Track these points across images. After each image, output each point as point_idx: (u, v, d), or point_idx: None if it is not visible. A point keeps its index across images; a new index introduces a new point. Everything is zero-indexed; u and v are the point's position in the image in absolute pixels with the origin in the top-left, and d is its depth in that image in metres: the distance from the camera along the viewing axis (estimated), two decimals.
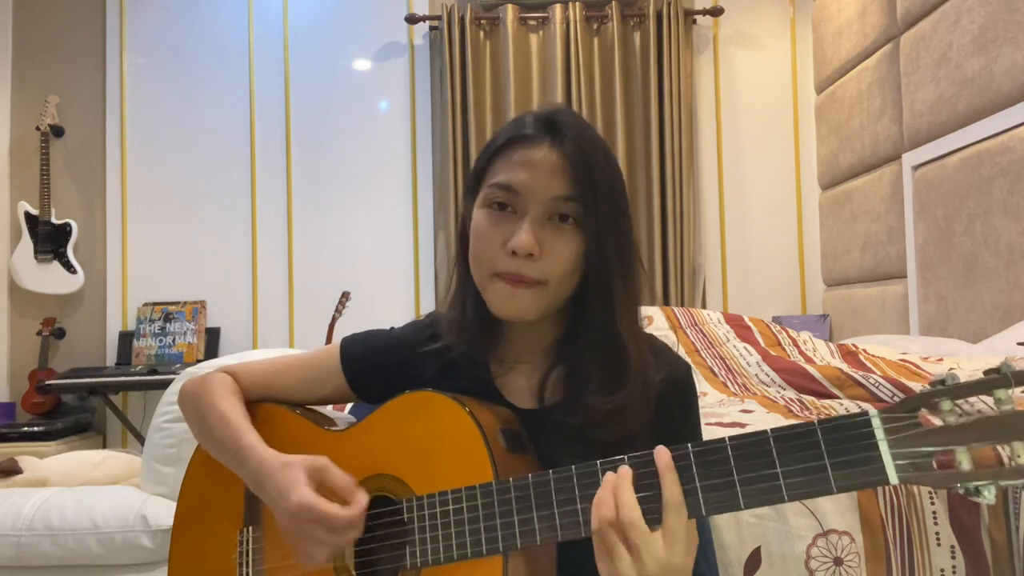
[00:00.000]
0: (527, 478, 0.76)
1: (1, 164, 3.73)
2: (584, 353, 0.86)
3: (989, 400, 0.59)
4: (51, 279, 3.61)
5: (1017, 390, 0.58)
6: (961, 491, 0.59)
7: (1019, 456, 0.57)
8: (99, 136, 3.77)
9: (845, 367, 1.86)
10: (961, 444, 0.59)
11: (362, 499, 0.80)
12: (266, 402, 1.00)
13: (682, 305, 3.59)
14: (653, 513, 0.68)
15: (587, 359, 0.86)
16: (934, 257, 2.64)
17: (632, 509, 0.67)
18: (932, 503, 1.29)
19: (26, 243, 3.61)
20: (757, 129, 3.80)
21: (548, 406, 0.89)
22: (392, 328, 1.03)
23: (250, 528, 0.94)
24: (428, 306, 3.65)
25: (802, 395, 1.80)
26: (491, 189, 0.85)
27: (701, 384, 1.98)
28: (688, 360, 0.94)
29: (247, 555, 0.93)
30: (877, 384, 1.70)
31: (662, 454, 0.69)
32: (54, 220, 3.63)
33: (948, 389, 0.60)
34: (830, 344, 2.23)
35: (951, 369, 1.88)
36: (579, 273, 0.85)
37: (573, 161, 0.83)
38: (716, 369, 2.06)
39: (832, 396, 1.76)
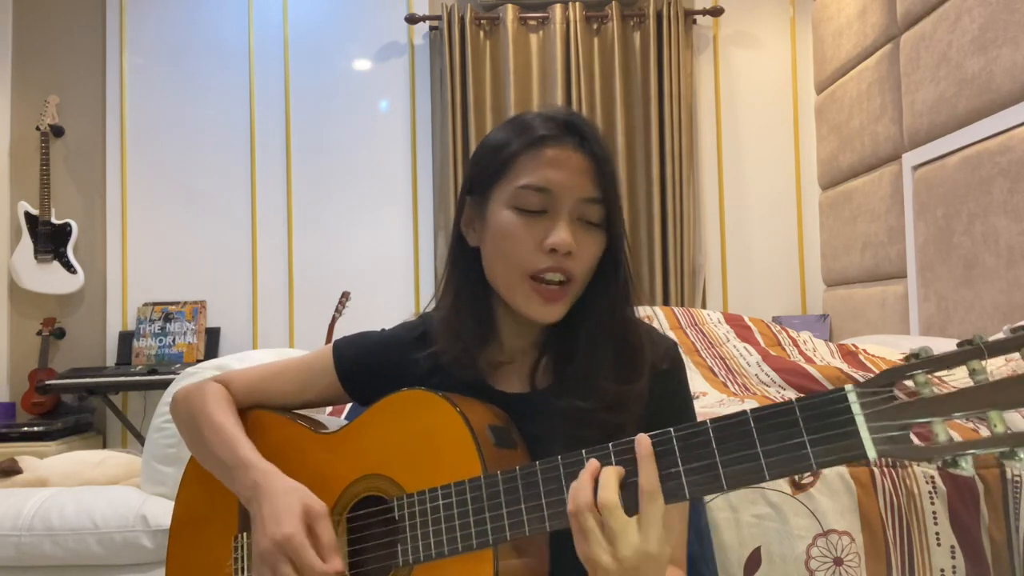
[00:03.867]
0: (514, 470, 0.76)
1: (1, 164, 3.73)
2: (595, 343, 0.88)
3: (964, 372, 0.60)
4: (51, 279, 3.61)
5: (990, 361, 0.59)
6: (939, 463, 0.60)
7: (995, 426, 0.58)
8: (99, 136, 3.77)
9: (845, 367, 1.86)
10: (937, 416, 0.60)
11: (338, 564, 0.80)
12: (259, 408, 1.00)
13: (682, 305, 3.59)
14: (631, 500, 0.69)
15: (599, 349, 0.88)
16: (934, 257, 2.64)
17: (611, 492, 0.68)
18: (932, 503, 1.29)
19: (26, 243, 3.61)
20: (757, 129, 3.80)
21: (542, 389, 0.91)
22: (383, 329, 1.03)
23: (245, 534, 0.94)
24: (427, 306, 3.64)
25: (802, 395, 1.80)
26: (523, 191, 0.85)
27: (701, 384, 1.98)
28: (673, 339, 0.96)
29: (242, 560, 0.93)
30: None
31: (642, 443, 0.70)
32: (54, 220, 3.63)
33: (922, 362, 0.61)
34: (830, 344, 2.23)
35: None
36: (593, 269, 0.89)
37: (598, 164, 0.86)
38: (716, 369, 2.06)
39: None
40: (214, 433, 0.93)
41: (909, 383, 0.62)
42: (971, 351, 0.59)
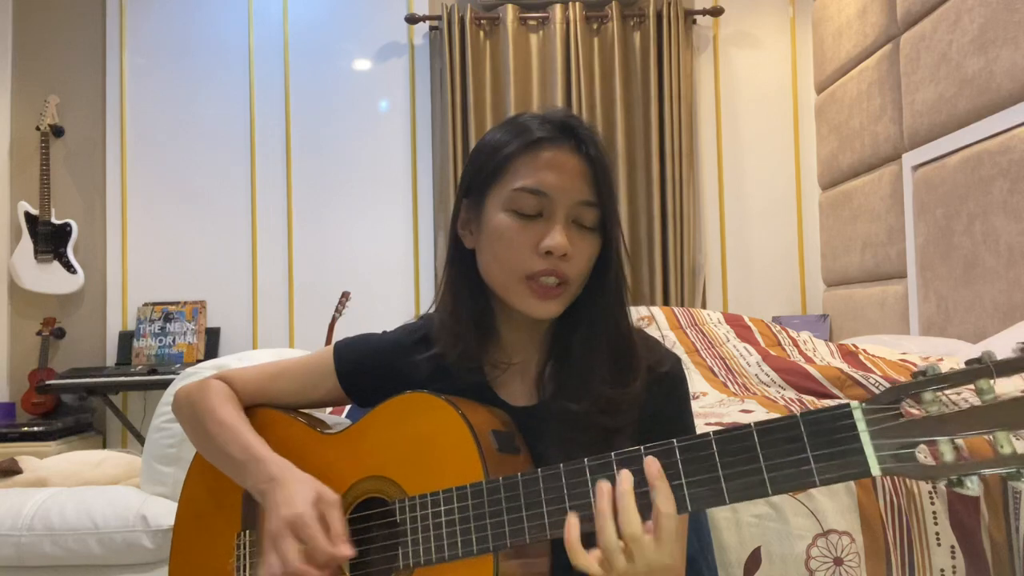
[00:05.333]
0: (516, 477, 0.76)
1: (1, 164, 3.73)
2: (590, 346, 0.88)
3: (971, 390, 0.59)
4: (51, 279, 3.61)
5: (999, 380, 0.58)
6: (944, 482, 0.59)
7: (1002, 446, 0.57)
8: (99, 136, 3.77)
9: (845, 367, 1.86)
10: (943, 435, 0.59)
11: (346, 550, 0.80)
12: (261, 407, 1.00)
13: (682, 305, 3.59)
14: (641, 510, 0.68)
15: (593, 351, 0.88)
16: (934, 257, 2.64)
17: (634, 525, 0.68)
18: (932, 503, 1.29)
19: (26, 243, 3.61)
20: (757, 129, 3.80)
21: (547, 400, 0.91)
22: (385, 332, 1.03)
23: (247, 532, 0.94)
24: (428, 306, 3.64)
25: (802, 395, 1.80)
26: (518, 193, 0.85)
27: (701, 384, 1.98)
28: (676, 354, 0.96)
29: (245, 558, 0.93)
30: (877, 384, 1.70)
31: (652, 464, 0.69)
32: (54, 220, 3.63)
33: (930, 380, 0.60)
34: (830, 344, 2.23)
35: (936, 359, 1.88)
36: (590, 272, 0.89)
37: (594, 166, 0.86)
38: (716, 369, 2.06)
39: (832, 396, 1.76)
40: (222, 430, 0.93)
41: (916, 400, 0.61)
42: (979, 370, 0.58)
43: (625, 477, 0.70)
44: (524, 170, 0.86)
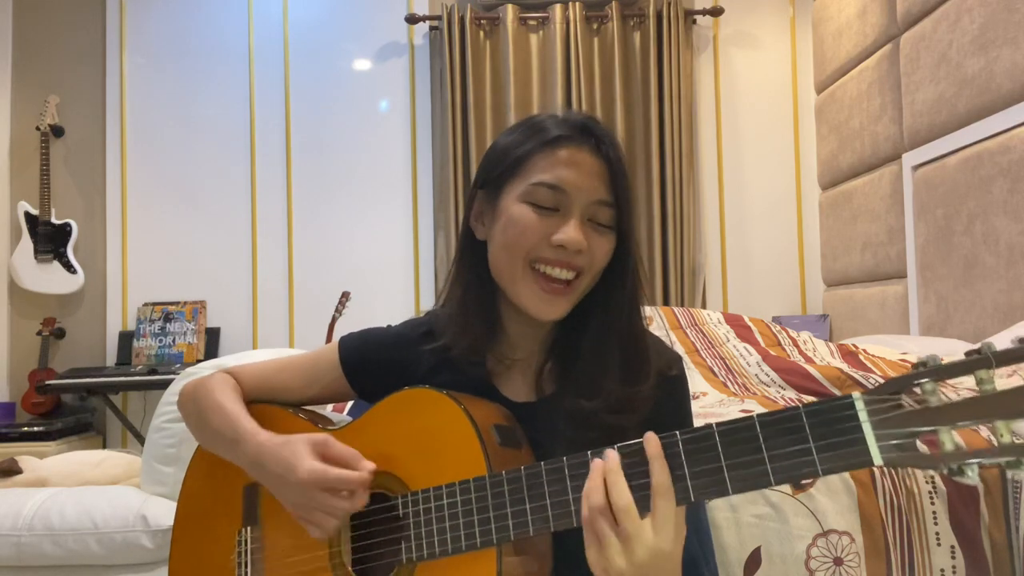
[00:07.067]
0: (519, 470, 0.76)
1: (1, 164, 3.73)
2: (601, 344, 0.89)
3: (971, 381, 0.60)
4: (51, 279, 3.61)
5: (998, 370, 0.58)
6: (945, 471, 0.60)
7: (1002, 435, 0.58)
8: (99, 136, 3.77)
9: (845, 367, 1.86)
10: (944, 425, 0.60)
11: (368, 464, 0.82)
12: (264, 403, 1.01)
13: (682, 305, 3.59)
14: (643, 501, 0.68)
15: (605, 350, 0.88)
16: (934, 257, 2.64)
17: (623, 495, 0.68)
18: (932, 503, 1.29)
19: (26, 243, 3.61)
20: (757, 129, 3.80)
21: (547, 397, 0.91)
22: (389, 326, 1.04)
23: (248, 528, 0.94)
24: (428, 305, 3.65)
25: (802, 395, 1.80)
26: (536, 188, 0.86)
27: (701, 384, 1.98)
28: (676, 352, 0.96)
29: (245, 555, 0.93)
30: (877, 384, 1.70)
31: (652, 442, 0.70)
32: (54, 220, 3.63)
33: (930, 371, 0.61)
34: (830, 344, 2.23)
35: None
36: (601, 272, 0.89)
37: (612, 168, 0.87)
38: (716, 369, 2.06)
39: (832, 396, 1.76)
40: (217, 414, 0.95)
41: (916, 391, 0.62)
42: (979, 360, 0.58)
43: (611, 455, 0.70)
44: (542, 165, 0.86)
